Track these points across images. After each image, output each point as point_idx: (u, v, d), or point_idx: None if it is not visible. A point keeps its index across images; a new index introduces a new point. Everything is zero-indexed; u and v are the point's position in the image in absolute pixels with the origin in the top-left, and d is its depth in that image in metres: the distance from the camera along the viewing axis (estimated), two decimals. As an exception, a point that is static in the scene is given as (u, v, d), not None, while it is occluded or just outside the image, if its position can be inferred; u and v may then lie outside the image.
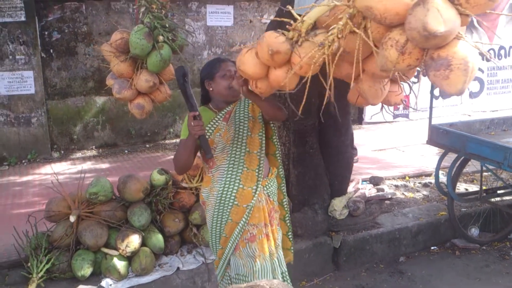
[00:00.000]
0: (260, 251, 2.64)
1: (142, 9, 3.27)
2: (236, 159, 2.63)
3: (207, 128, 2.62)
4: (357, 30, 1.74)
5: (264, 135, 2.71)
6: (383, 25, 1.70)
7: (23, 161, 6.25)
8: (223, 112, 2.67)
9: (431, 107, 4.15)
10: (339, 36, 1.80)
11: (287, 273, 2.81)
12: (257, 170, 2.66)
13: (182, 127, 2.72)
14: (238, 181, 2.62)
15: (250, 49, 2.10)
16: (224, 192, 2.64)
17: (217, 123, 2.65)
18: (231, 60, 2.70)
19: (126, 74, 3.37)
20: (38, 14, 6.33)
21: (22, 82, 6.28)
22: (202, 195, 2.78)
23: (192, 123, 2.41)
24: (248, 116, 2.68)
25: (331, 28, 1.83)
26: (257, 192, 2.64)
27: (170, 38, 3.31)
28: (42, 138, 6.44)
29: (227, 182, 2.64)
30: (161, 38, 3.27)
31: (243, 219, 2.63)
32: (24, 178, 5.60)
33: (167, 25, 3.33)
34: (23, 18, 6.18)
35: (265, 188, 2.70)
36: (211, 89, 2.68)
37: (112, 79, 3.49)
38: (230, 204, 2.63)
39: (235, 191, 2.63)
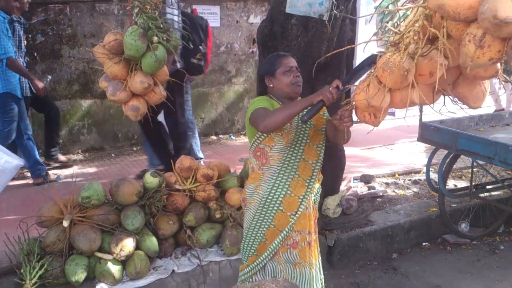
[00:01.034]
0: (301, 258, 2.59)
1: (136, 10, 3.24)
2: (290, 164, 2.55)
3: None
4: (432, 30, 1.73)
5: (323, 148, 2.63)
6: (460, 22, 1.68)
7: (9, 166, 6.14)
8: None
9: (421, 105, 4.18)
10: (415, 37, 1.80)
11: (323, 280, 2.76)
12: (308, 180, 2.58)
13: (254, 103, 2.53)
14: (287, 186, 2.55)
15: (366, 82, 2.06)
16: (271, 195, 2.57)
17: None
18: (290, 55, 2.69)
19: (120, 76, 3.34)
20: (22, 16, 6.22)
21: (6, 85, 6.16)
22: (246, 191, 2.69)
23: (332, 90, 2.21)
24: (310, 123, 2.59)
25: (407, 30, 1.83)
26: (303, 203, 2.56)
27: (164, 38, 3.29)
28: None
29: (276, 185, 2.56)
30: (155, 39, 3.25)
31: (287, 228, 2.56)
32: (10, 183, 5.49)
33: (161, 26, 3.31)
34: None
35: (313, 195, 2.64)
36: (271, 85, 2.61)
37: (106, 81, 3.44)
38: (275, 209, 2.56)
39: (282, 196, 2.55)
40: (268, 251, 2.60)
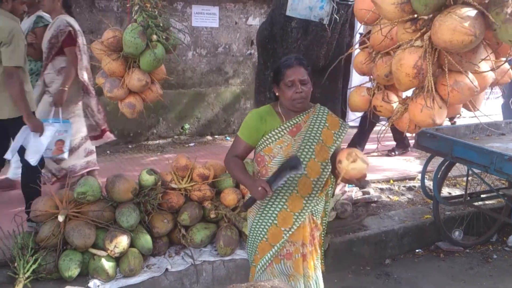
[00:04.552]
0: (295, 270, 2.52)
1: (136, 8, 3.24)
2: (290, 179, 2.44)
3: (269, 135, 2.45)
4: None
5: (329, 166, 2.48)
6: None
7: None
8: (290, 124, 2.47)
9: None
10: None
11: None
12: (306, 198, 2.47)
13: (242, 123, 2.56)
14: (283, 201, 2.47)
15: (419, 99, 2.16)
16: (267, 207, 2.50)
17: (281, 134, 2.46)
18: (299, 63, 2.45)
19: (117, 72, 3.33)
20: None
21: (2, 79, 6.13)
22: (246, 198, 2.69)
23: (261, 191, 2.29)
24: (318, 138, 2.46)
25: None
26: (299, 220, 2.48)
27: (163, 37, 3.29)
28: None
29: (272, 199, 2.48)
30: (154, 37, 3.25)
31: (278, 244, 2.49)
32: (3, 177, 5.45)
33: (160, 24, 3.30)
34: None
35: (314, 206, 2.54)
36: (277, 94, 2.51)
37: (103, 77, 3.43)
38: (270, 222, 2.49)
39: (278, 210, 2.48)
40: (259, 265, 2.55)
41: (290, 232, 2.49)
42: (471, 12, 1.85)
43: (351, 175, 2.22)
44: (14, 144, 3.70)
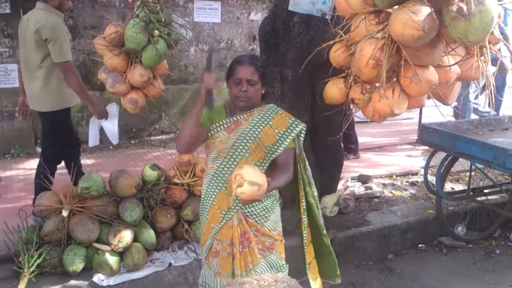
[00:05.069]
0: (221, 268, 2.49)
1: (138, 3, 3.23)
2: (220, 175, 2.42)
3: (211, 128, 2.45)
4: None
5: (264, 166, 2.41)
6: None
7: (7, 156, 6.10)
8: (229, 121, 2.45)
9: (421, 108, 4.20)
10: None
11: None
12: (235, 197, 2.30)
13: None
14: (213, 198, 2.46)
15: (382, 89, 2.19)
16: (203, 202, 2.53)
17: (216, 130, 2.44)
18: (249, 62, 2.40)
19: (120, 68, 3.33)
20: (23, 7, 6.17)
21: (6, 75, 6.12)
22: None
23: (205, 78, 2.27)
24: (255, 137, 2.39)
25: None
26: (226, 218, 2.43)
27: (165, 32, 3.28)
28: (26, 133, 6.29)
29: (206, 195, 2.50)
30: (156, 32, 3.24)
31: (210, 238, 2.49)
32: (8, 173, 5.47)
33: (162, 20, 3.30)
34: (7, 11, 6.03)
35: (244, 208, 2.42)
36: (228, 89, 2.49)
37: (105, 73, 3.43)
38: (204, 216, 2.52)
39: (209, 206, 2.49)
40: (202, 253, 2.58)
41: (218, 228, 2.45)
42: (425, 8, 1.91)
43: (242, 198, 2.06)
44: (93, 134, 4.04)
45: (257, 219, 2.45)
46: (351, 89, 2.72)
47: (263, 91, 2.47)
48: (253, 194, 2.03)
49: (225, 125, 2.44)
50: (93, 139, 4.16)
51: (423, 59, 2.10)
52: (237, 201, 2.37)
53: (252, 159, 2.38)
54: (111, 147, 6.63)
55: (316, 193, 2.71)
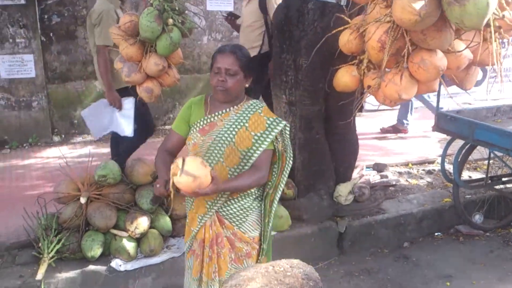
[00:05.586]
0: (193, 270, 2.39)
1: (152, -9, 3.24)
2: None
3: (190, 128, 2.33)
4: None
5: (241, 172, 2.25)
6: None
7: (24, 144, 6.20)
8: (203, 121, 2.29)
9: (438, 94, 4.15)
10: None
11: None
12: (210, 203, 2.27)
13: (177, 116, 2.42)
14: (191, 202, 2.36)
15: (392, 73, 2.22)
16: (186, 206, 2.44)
17: (192, 131, 2.31)
18: (230, 51, 2.25)
19: (135, 57, 3.34)
20: (36, -2, 6.26)
21: (22, 65, 6.20)
22: None
23: (160, 189, 2.13)
24: (230, 141, 2.23)
25: None
26: (202, 222, 2.31)
27: (179, 21, 3.28)
28: (43, 122, 6.38)
29: (187, 199, 2.39)
30: (170, 21, 3.24)
31: (189, 241, 2.40)
32: (26, 162, 5.57)
33: (176, 8, 3.30)
34: (23, 1, 6.09)
35: (221, 208, 2.30)
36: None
37: (121, 62, 3.46)
38: (187, 220, 2.44)
39: (188, 209, 2.40)
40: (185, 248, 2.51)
41: (196, 231, 2.36)
42: None
43: (182, 190, 2.00)
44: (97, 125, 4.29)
45: (233, 221, 2.31)
46: (365, 76, 2.70)
47: (246, 85, 2.31)
48: (188, 185, 1.97)
49: (199, 126, 2.29)
50: (97, 130, 4.34)
51: (429, 43, 2.11)
52: (210, 204, 2.27)
53: (227, 165, 2.23)
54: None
55: (277, 198, 2.42)
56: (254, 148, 2.23)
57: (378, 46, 2.13)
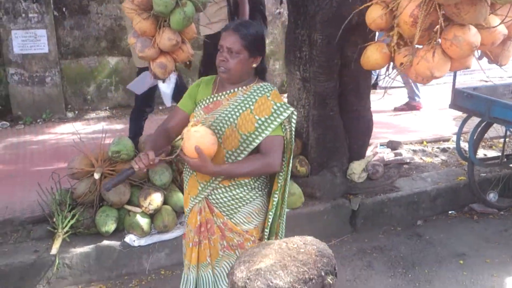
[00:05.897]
0: (187, 255, 2.34)
1: (165, -35, 3.17)
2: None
3: (197, 104, 2.24)
4: None
5: (239, 157, 2.12)
6: None
7: (38, 120, 6.24)
8: (209, 99, 2.21)
9: (455, 72, 4.06)
10: None
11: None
12: (202, 184, 2.17)
13: (185, 94, 2.34)
14: (186, 182, 2.28)
15: (423, 50, 2.17)
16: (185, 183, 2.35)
17: (197, 108, 2.22)
18: (235, 28, 2.12)
19: (148, 32, 3.29)
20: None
21: (35, 41, 6.19)
22: None
23: (143, 159, 2.02)
24: (232, 122, 2.11)
25: None
26: (192, 203, 2.24)
27: (193, -5, 3.23)
28: (56, 98, 6.40)
29: (184, 180, 2.32)
30: (184, -5, 3.19)
31: (186, 220, 2.35)
32: (40, 137, 5.61)
33: (189, -19, 3.24)
34: (36, -25, 6.06)
35: (210, 194, 2.19)
36: None
37: (134, 37, 3.42)
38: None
39: (184, 190, 2.36)
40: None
41: (188, 212, 2.30)
42: None
43: (198, 146, 1.90)
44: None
45: (223, 210, 2.19)
46: (396, 53, 2.62)
47: (254, 65, 2.16)
48: (207, 145, 1.93)
49: (204, 104, 2.20)
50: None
51: (463, 17, 2.03)
52: (202, 186, 2.17)
53: (224, 147, 2.10)
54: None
55: (287, 192, 2.30)
56: (256, 133, 2.09)
57: (410, 21, 2.07)
